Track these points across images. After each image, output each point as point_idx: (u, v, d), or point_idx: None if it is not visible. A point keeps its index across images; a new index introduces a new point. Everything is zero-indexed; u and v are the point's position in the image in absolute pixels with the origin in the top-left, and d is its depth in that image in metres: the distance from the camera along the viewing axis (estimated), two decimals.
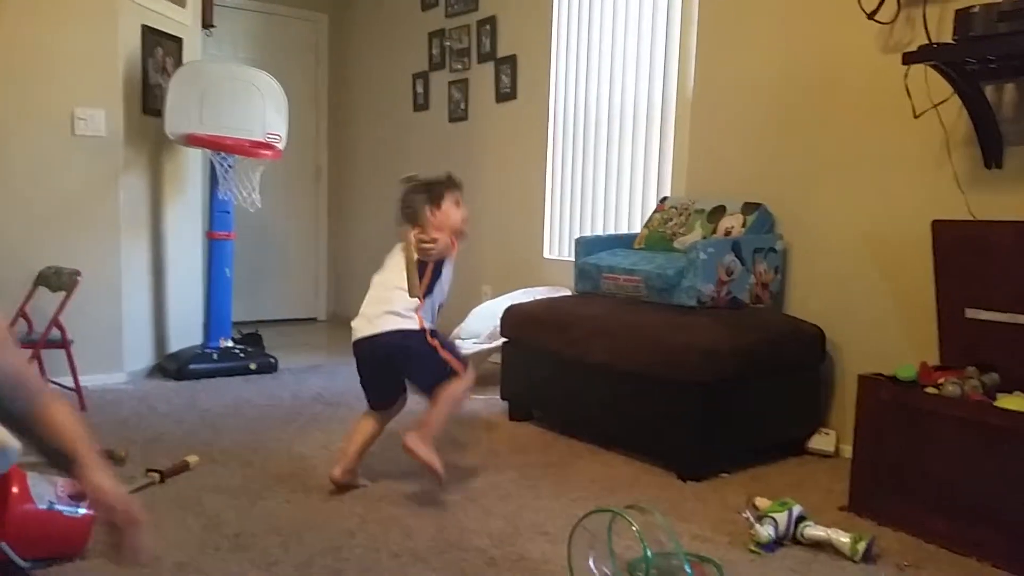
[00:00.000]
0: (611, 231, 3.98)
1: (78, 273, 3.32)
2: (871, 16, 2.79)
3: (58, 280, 3.35)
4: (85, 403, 3.35)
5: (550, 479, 2.61)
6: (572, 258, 3.46)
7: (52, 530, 1.91)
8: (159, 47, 4.11)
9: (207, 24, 4.75)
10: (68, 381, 3.37)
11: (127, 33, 3.86)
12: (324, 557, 1.98)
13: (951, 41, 2.35)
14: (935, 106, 2.61)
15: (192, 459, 2.64)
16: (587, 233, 4.08)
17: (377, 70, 5.91)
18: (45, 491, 1.92)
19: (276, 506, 2.32)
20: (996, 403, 2.10)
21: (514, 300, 3.76)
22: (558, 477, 2.63)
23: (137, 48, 3.95)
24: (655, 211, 3.47)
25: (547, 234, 4.38)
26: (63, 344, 3.31)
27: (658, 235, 3.32)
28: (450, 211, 2.56)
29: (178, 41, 4.26)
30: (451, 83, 5.06)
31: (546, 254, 4.37)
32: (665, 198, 3.53)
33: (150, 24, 4.02)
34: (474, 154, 4.91)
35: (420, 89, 5.38)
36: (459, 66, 4.97)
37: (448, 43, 5.05)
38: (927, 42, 2.53)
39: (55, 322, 3.27)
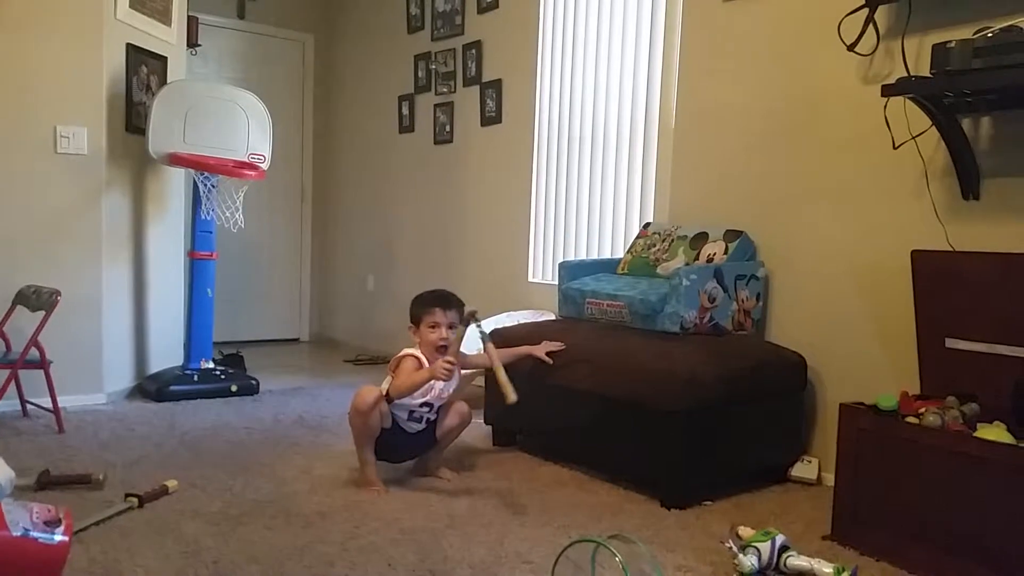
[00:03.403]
0: (594, 256, 4.00)
1: (58, 293, 3.29)
2: (851, 48, 2.84)
3: (37, 300, 3.31)
4: (63, 425, 3.30)
5: (534, 506, 2.60)
6: (556, 282, 3.47)
7: (26, 557, 1.86)
8: (143, 65, 4.10)
9: (192, 43, 4.76)
10: (46, 402, 3.33)
11: (112, 51, 3.85)
12: None
13: (928, 75, 2.39)
14: (914, 138, 2.65)
15: (171, 483, 2.61)
16: (571, 257, 4.10)
17: (362, 91, 5.93)
18: (20, 517, 1.88)
19: (256, 533, 2.29)
20: (976, 433, 2.12)
21: (498, 324, 3.76)
22: (542, 504, 2.62)
23: (121, 66, 3.94)
24: (638, 236, 3.49)
25: (531, 258, 4.39)
26: (42, 365, 3.28)
27: (641, 261, 3.34)
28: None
29: (163, 60, 4.25)
30: (436, 106, 5.08)
31: (530, 278, 4.38)
32: (648, 224, 3.55)
33: (135, 43, 4.01)
34: (459, 177, 4.93)
35: (405, 111, 5.40)
36: (444, 89, 5.00)
37: (434, 66, 5.08)
38: (905, 75, 2.58)
39: (34, 342, 3.24)
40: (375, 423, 2.68)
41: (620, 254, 3.68)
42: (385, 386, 2.73)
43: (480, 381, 3.58)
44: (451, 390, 2.84)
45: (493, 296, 4.54)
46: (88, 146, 3.76)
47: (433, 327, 2.75)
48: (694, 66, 3.47)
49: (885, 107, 2.64)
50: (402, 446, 2.80)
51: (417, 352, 2.73)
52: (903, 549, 2.18)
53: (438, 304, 2.78)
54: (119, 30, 3.90)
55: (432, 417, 2.82)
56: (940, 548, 2.11)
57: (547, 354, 2.97)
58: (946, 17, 2.61)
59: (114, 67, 3.89)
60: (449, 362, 2.60)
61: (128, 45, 3.97)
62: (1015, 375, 2.24)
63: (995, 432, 2.11)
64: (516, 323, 3.63)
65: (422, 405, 2.76)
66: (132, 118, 4.02)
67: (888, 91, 2.49)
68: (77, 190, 3.75)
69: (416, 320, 2.78)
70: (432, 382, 2.70)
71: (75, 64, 3.71)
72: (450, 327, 2.75)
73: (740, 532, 2.24)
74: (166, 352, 4.34)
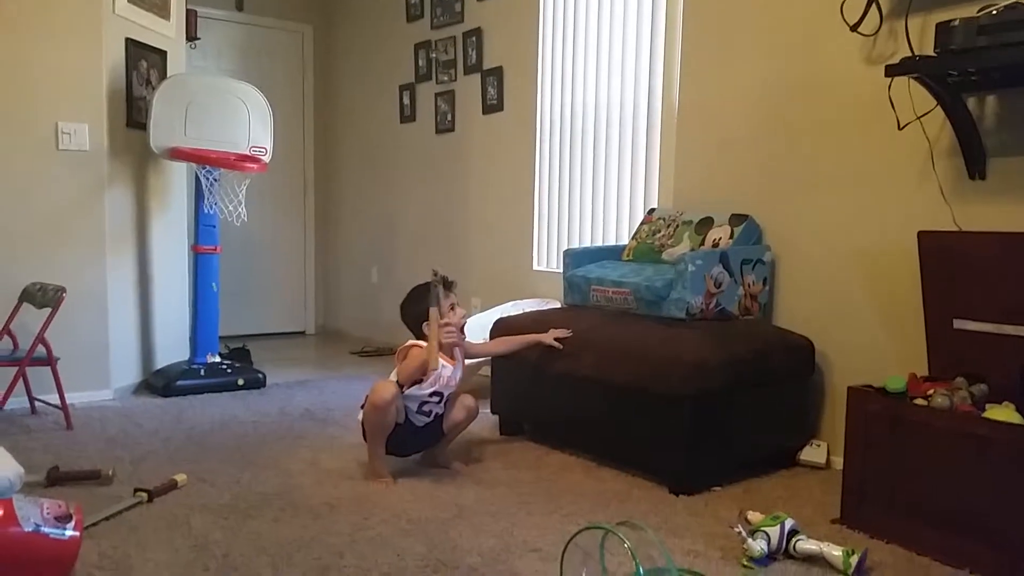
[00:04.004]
0: (599, 243, 3.98)
1: (63, 289, 3.29)
2: (854, 28, 2.81)
3: (43, 296, 3.32)
4: (71, 421, 3.31)
5: (541, 494, 2.60)
6: (561, 270, 3.46)
7: (38, 552, 1.87)
8: (143, 60, 4.09)
9: (191, 37, 4.74)
10: (54, 399, 3.34)
11: (111, 46, 3.84)
12: None
13: (933, 54, 2.37)
14: (919, 118, 2.63)
15: (180, 478, 2.62)
16: (575, 245, 4.09)
17: (363, 82, 5.91)
18: (31, 513, 1.89)
19: (265, 525, 2.30)
20: (984, 414, 2.11)
21: (503, 312, 3.76)
22: (549, 492, 2.62)
23: (121, 61, 3.93)
24: (643, 222, 3.47)
25: (536, 246, 4.38)
26: (49, 361, 3.28)
27: (646, 247, 3.33)
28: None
29: (162, 54, 4.24)
30: (437, 94, 5.06)
31: (535, 266, 4.37)
32: (653, 209, 3.54)
33: (134, 37, 4.00)
34: (461, 166, 4.91)
35: (407, 100, 5.38)
36: (445, 77, 4.98)
37: (434, 55, 5.06)
38: (909, 54, 2.55)
39: (40, 339, 3.24)
40: (392, 418, 2.69)
41: (625, 241, 3.67)
42: (393, 377, 2.73)
43: (486, 371, 3.59)
44: (458, 377, 2.84)
45: (498, 285, 4.54)
46: (89, 142, 3.75)
47: (453, 308, 2.79)
48: (696, 49, 3.45)
49: (889, 87, 2.63)
50: (410, 440, 2.81)
51: (422, 343, 2.73)
52: (912, 531, 2.18)
53: (449, 288, 2.82)
54: (118, 25, 3.88)
55: (440, 411, 2.82)
56: (949, 529, 2.10)
57: (556, 339, 2.97)
58: None
59: (114, 62, 3.88)
60: (446, 326, 2.66)
61: (127, 40, 3.96)
62: (1023, 355, 2.23)
63: (1004, 412, 2.10)
64: (521, 311, 3.63)
65: (432, 395, 2.76)
66: (133, 113, 4.01)
67: (892, 71, 2.47)
68: (79, 186, 3.75)
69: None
70: (439, 371, 2.70)
71: (75, 60, 3.70)
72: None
73: (749, 517, 2.24)
74: (172, 347, 4.35)
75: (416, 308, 2.78)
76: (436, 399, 2.78)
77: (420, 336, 2.77)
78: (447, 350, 2.77)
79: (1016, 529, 1.97)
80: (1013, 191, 2.50)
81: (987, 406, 2.18)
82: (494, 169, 4.66)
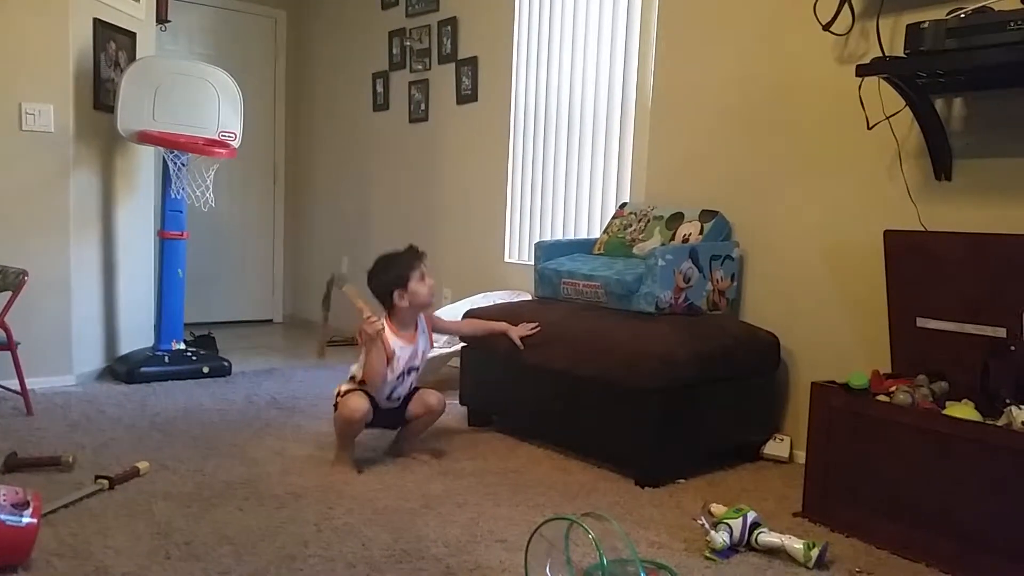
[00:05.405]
0: (571, 236, 3.99)
1: (25, 273, 3.23)
2: (827, 27, 2.84)
3: (3, 280, 3.25)
4: (32, 407, 3.25)
5: (509, 486, 2.60)
6: (532, 262, 3.46)
7: None
8: (112, 41, 4.01)
9: (162, 19, 4.66)
10: (14, 384, 3.27)
11: (78, 26, 3.77)
12: (278, 567, 1.95)
13: (903, 55, 2.40)
14: (887, 118, 2.66)
15: (143, 465, 2.58)
16: (547, 237, 4.09)
17: (336, 68, 5.85)
18: None
19: (228, 514, 2.27)
20: (945, 411, 2.15)
21: (474, 304, 3.75)
22: (517, 484, 2.63)
23: (89, 42, 3.85)
24: (614, 217, 3.48)
25: (508, 238, 4.38)
26: (9, 346, 3.21)
27: (617, 241, 3.34)
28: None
29: (132, 36, 4.17)
30: (411, 83, 5.03)
31: (506, 258, 4.37)
32: (624, 204, 3.55)
33: (102, 18, 3.92)
34: (434, 156, 4.89)
35: (380, 89, 5.34)
36: (420, 66, 4.95)
37: (408, 43, 5.02)
38: (880, 55, 2.59)
39: (0, 323, 3.18)
40: (362, 427, 2.71)
41: (596, 234, 3.67)
42: (356, 370, 2.75)
43: (456, 363, 3.58)
44: (422, 350, 2.86)
45: (469, 276, 4.53)
46: (55, 123, 3.68)
47: (423, 278, 2.79)
48: (671, 45, 3.46)
49: (860, 87, 2.65)
50: (381, 416, 2.80)
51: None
52: (873, 525, 2.22)
53: (420, 257, 2.83)
54: (86, 5, 3.81)
55: (404, 392, 2.84)
56: (909, 524, 2.14)
57: (521, 338, 2.98)
58: None
59: (81, 43, 3.80)
60: (369, 320, 2.68)
61: (95, 20, 3.88)
62: (983, 353, 2.27)
63: (963, 410, 2.15)
64: (492, 303, 3.63)
65: (397, 378, 2.76)
66: (100, 95, 3.94)
67: (863, 71, 2.49)
68: (44, 168, 3.67)
69: (403, 280, 2.75)
70: (398, 354, 2.72)
71: (41, 40, 3.62)
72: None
73: (712, 509, 2.26)
74: (136, 333, 4.29)
75: (384, 276, 2.79)
76: (400, 380, 2.78)
77: (387, 305, 2.78)
78: (403, 335, 2.78)
79: (973, 523, 2.01)
80: (978, 193, 2.55)
81: (947, 403, 2.22)
82: (467, 160, 4.65)
